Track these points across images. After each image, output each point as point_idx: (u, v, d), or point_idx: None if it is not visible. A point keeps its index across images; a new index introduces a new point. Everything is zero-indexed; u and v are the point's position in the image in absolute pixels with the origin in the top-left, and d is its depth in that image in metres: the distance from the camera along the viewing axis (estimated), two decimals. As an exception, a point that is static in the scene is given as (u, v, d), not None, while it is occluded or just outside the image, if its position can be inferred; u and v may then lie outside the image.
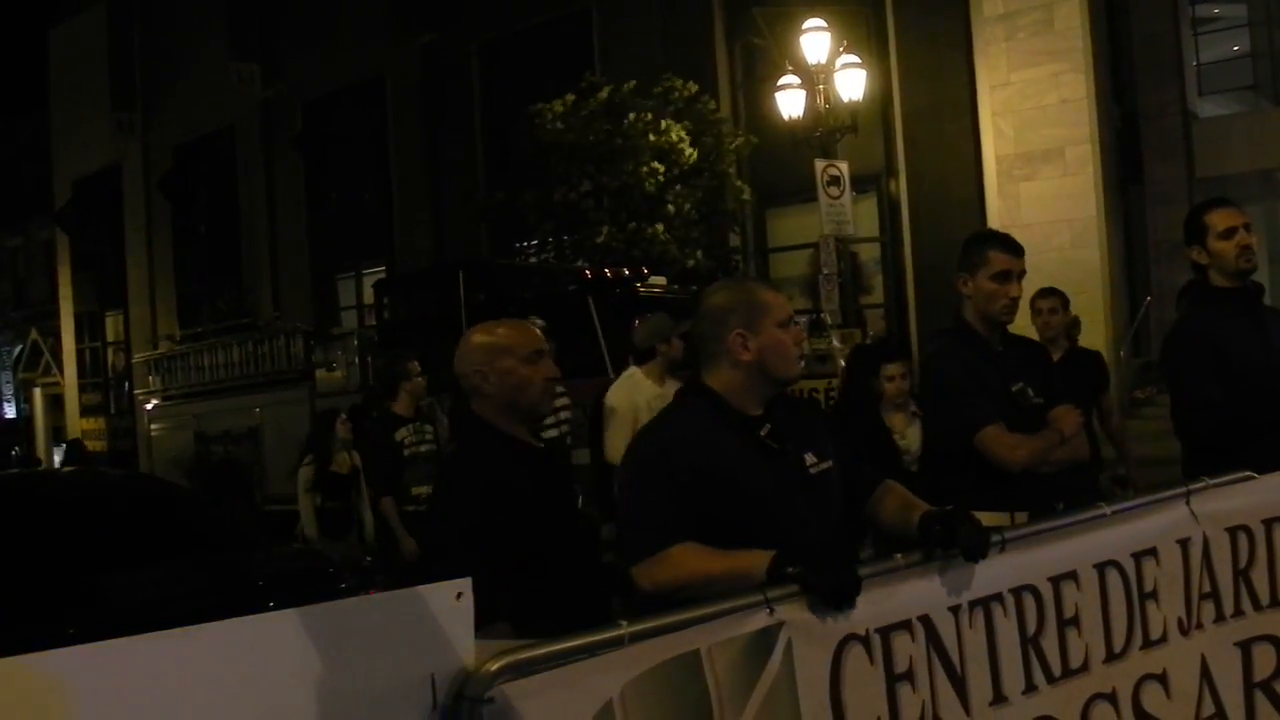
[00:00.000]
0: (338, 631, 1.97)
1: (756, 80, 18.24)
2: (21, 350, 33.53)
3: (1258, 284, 4.64)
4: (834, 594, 2.54)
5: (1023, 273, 4.13)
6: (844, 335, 13.01)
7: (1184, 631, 3.26)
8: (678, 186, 15.85)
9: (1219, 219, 4.53)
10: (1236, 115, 20.61)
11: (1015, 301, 4.11)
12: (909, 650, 2.67)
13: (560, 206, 16.16)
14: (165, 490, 7.68)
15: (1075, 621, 3.01)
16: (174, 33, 27.81)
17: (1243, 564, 3.43)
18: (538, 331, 3.57)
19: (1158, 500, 3.33)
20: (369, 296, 20.75)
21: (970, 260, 4.11)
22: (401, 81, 23.66)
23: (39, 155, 32.98)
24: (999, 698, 2.84)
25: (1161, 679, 3.17)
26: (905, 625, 2.68)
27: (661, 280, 12.90)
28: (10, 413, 36.76)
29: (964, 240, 4.24)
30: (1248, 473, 3.53)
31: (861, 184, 16.58)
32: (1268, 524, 3.48)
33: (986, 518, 3.01)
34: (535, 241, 17.57)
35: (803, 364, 3.27)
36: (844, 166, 14.38)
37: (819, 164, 14.15)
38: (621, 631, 2.25)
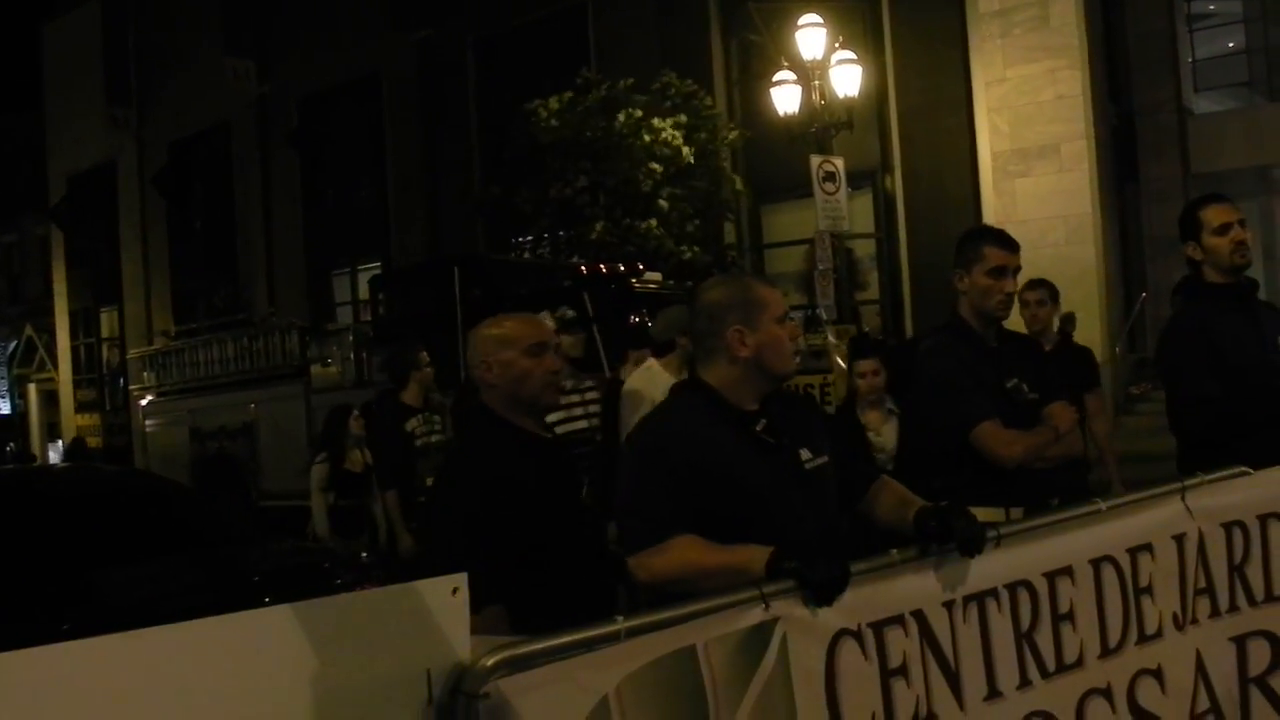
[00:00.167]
0: (333, 627, 1.97)
1: (752, 76, 18.23)
2: (16, 346, 33.54)
3: (1252, 280, 4.65)
4: (823, 589, 2.55)
5: (1018, 268, 4.14)
6: (839, 331, 13.00)
7: (1179, 627, 3.27)
8: (672, 186, 15.85)
9: (1213, 215, 4.54)
10: (1232, 112, 20.65)
11: (1011, 297, 4.11)
12: (903, 645, 2.68)
13: (556, 202, 16.16)
14: (160, 486, 7.67)
15: (1070, 617, 3.01)
16: (169, 28, 27.77)
17: (1238, 559, 3.44)
18: (544, 325, 3.63)
19: (1153, 496, 3.34)
20: (364, 292, 20.76)
21: (965, 256, 4.11)
22: (397, 78, 23.64)
23: (33, 151, 32.94)
24: (993, 693, 2.84)
25: (1157, 674, 3.17)
26: (900, 620, 2.69)
27: (657, 276, 12.88)
28: (5, 409, 36.72)
29: (959, 236, 4.24)
30: (1243, 468, 3.54)
31: (857, 180, 16.59)
32: (1263, 519, 3.48)
33: (982, 513, 3.01)
34: (531, 237, 17.57)
35: (798, 360, 3.28)
36: (839, 162, 14.36)
37: (814, 160, 14.14)
38: (617, 627, 2.25)
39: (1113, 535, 3.16)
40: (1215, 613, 3.37)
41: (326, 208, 25.66)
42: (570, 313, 7.28)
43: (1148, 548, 3.22)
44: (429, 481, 7.35)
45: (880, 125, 17.70)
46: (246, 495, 14.97)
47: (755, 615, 2.44)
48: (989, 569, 2.87)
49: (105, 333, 31.64)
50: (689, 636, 2.32)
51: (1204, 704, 3.28)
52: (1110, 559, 3.13)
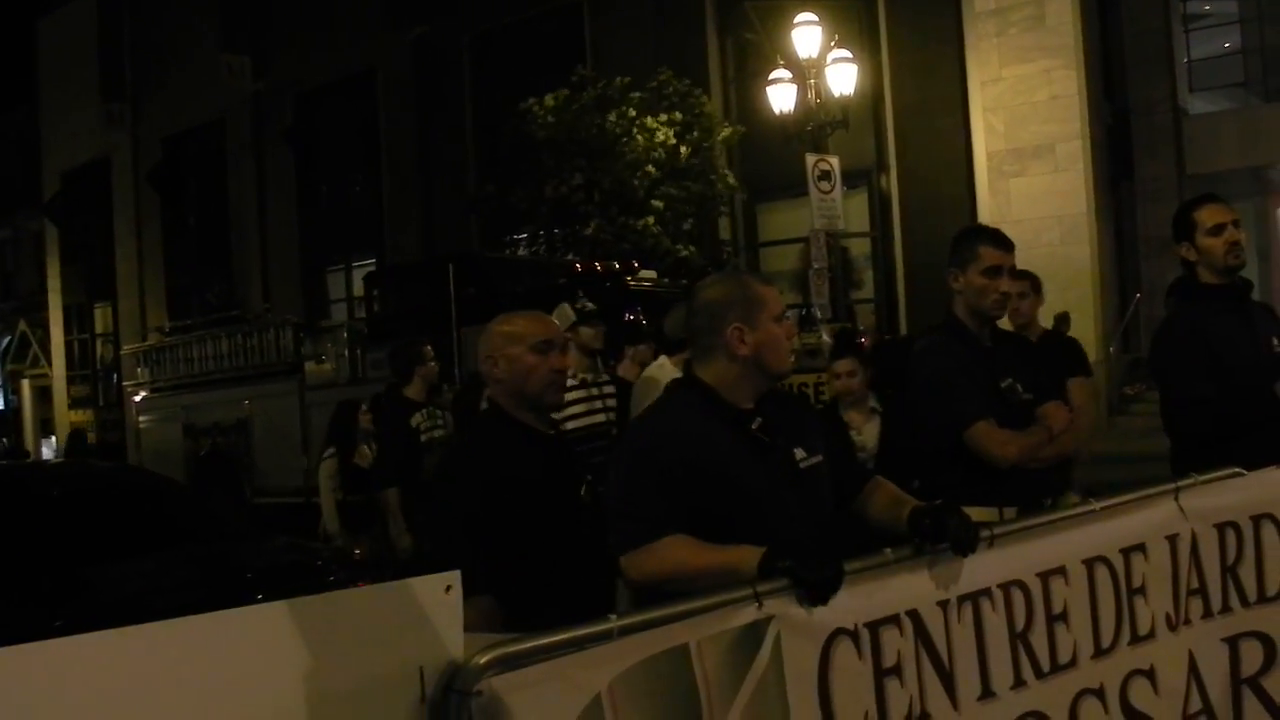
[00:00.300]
0: (326, 624, 1.97)
1: (748, 74, 18.24)
2: (10, 342, 33.44)
3: (1246, 280, 4.65)
4: (816, 588, 2.55)
5: (1013, 268, 4.14)
6: (834, 330, 13.00)
7: (1172, 627, 3.27)
8: (667, 185, 15.85)
9: (1207, 215, 4.54)
10: (1227, 112, 20.69)
11: (1006, 296, 4.11)
12: (897, 645, 2.68)
13: (551, 200, 16.16)
14: (153, 482, 7.65)
15: (1064, 617, 3.01)
16: (164, 24, 27.73)
17: (1231, 560, 3.44)
18: (553, 324, 3.69)
19: (1146, 496, 3.33)
20: (359, 289, 20.75)
21: (960, 255, 4.11)
22: (393, 75, 23.62)
23: (28, 147, 32.88)
24: (987, 693, 2.84)
25: (1149, 674, 3.18)
26: (894, 620, 2.68)
27: (652, 274, 12.90)
28: (-2, 404, 36.66)
29: (954, 235, 4.25)
30: (1236, 469, 3.54)
31: (852, 179, 16.60)
32: (1256, 520, 3.49)
33: (976, 513, 3.01)
34: (526, 235, 17.57)
35: (793, 359, 3.28)
36: (835, 161, 14.38)
37: (810, 159, 14.15)
38: (610, 625, 2.25)
39: (1106, 535, 3.16)
40: (1208, 613, 3.38)
41: (321, 205, 25.65)
42: (590, 305, 7.26)
43: (1141, 548, 3.22)
44: None
45: (876, 124, 17.71)
46: (240, 491, 14.97)
47: (749, 614, 2.44)
48: (983, 569, 2.87)
49: (99, 328, 31.60)
50: (682, 635, 2.32)
51: (1196, 705, 3.28)
52: (1103, 559, 3.13)
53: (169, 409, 17.28)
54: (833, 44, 14.68)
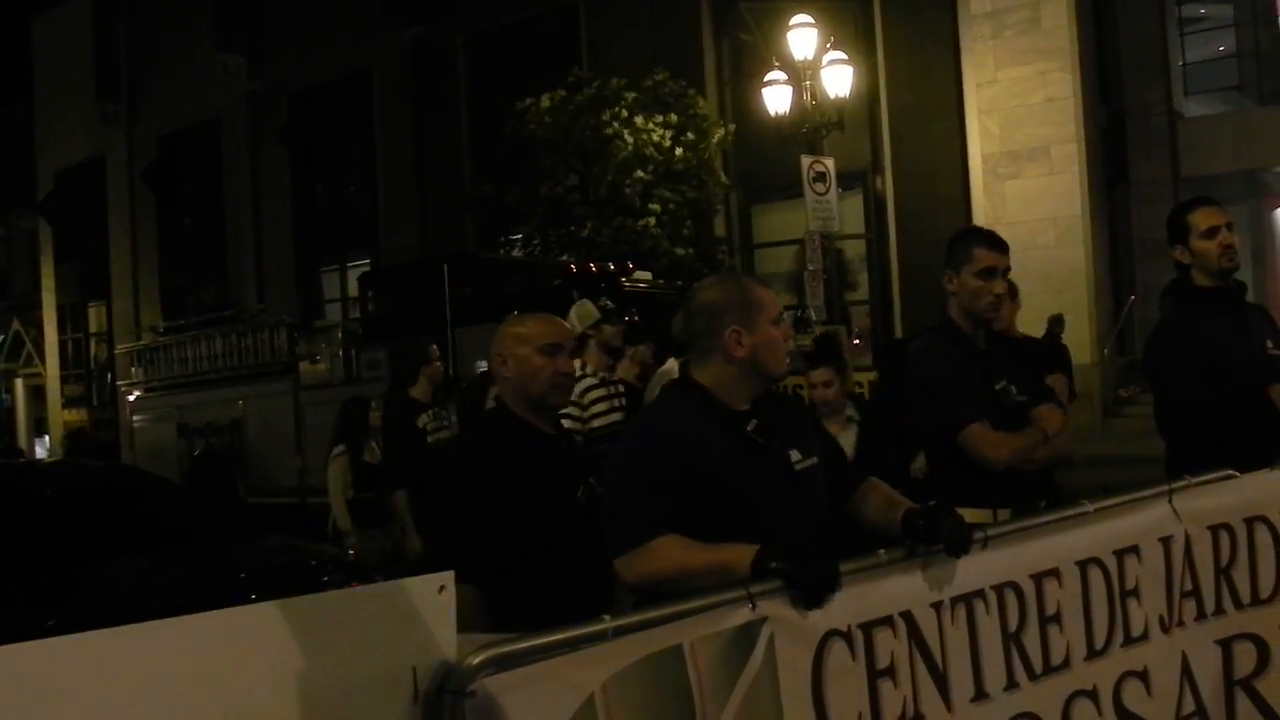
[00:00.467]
0: (319, 624, 1.97)
1: (744, 76, 18.26)
2: (3, 341, 33.42)
3: (1240, 283, 4.65)
4: (812, 590, 2.55)
5: (1008, 270, 4.14)
6: (828, 332, 13.01)
7: (1165, 629, 3.27)
8: (661, 188, 15.85)
9: (1201, 218, 4.54)
10: (1222, 115, 20.73)
11: (1000, 298, 4.11)
12: (891, 646, 2.68)
13: (546, 201, 16.15)
14: (147, 482, 7.64)
15: (1057, 618, 3.01)
16: (160, 23, 27.70)
17: (1224, 562, 3.44)
18: (563, 327, 3.73)
19: (1140, 498, 3.34)
20: (354, 289, 20.73)
21: (955, 257, 4.11)
22: (389, 74, 23.62)
23: (22, 145, 32.84)
24: (980, 694, 2.85)
25: (1143, 676, 3.18)
26: (887, 621, 2.68)
27: (647, 275, 12.90)
28: (-8, 403, 36.62)
29: (949, 237, 4.25)
30: (1230, 471, 3.55)
31: (847, 181, 16.62)
32: (1249, 522, 3.49)
33: (969, 515, 3.01)
34: (521, 235, 17.57)
35: (789, 360, 3.28)
36: (830, 163, 14.39)
37: (805, 160, 14.16)
38: (604, 625, 2.25)
39: (1099, 537, 3.16)
40: (1201, 615, 3.38)
41: (316, 204, 25.63)
42: (610, 303, 7.26)
43: (1134, 550, 3.22)
44: None
45: (871, 126, 17.73)
46: (234, 492, 14.94)
47: (742, 615, 2.44)
48: (976, 570, 2.87)
49: (93, 328, 31.56)
50: (675, 636, 2.32)
51: (1189, 706, 3.29)
52: (1097, 561, 3.13)
53: (163, 408, 17.24)
54: (828, 46, 14.70)
